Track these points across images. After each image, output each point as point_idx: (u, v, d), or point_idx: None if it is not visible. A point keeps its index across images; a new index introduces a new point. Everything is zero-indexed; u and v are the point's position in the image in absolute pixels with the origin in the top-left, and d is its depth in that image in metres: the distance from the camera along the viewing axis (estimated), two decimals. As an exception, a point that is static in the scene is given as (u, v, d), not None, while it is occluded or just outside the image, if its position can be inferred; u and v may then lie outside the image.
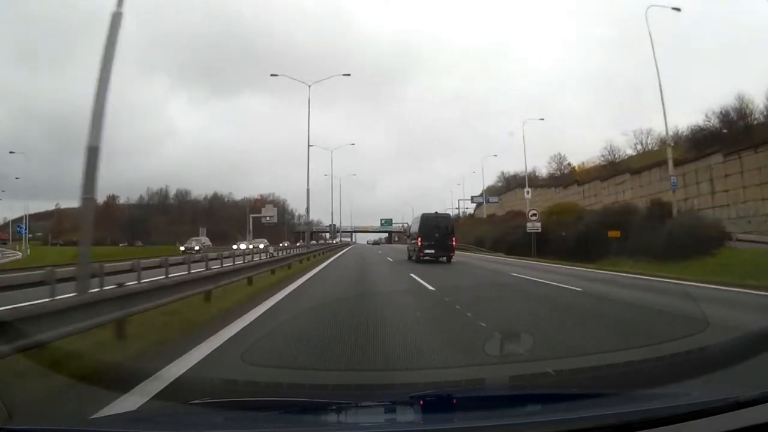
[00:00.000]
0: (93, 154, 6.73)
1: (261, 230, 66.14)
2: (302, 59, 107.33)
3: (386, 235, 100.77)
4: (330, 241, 61.96)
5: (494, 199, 67.69)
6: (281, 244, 48.86)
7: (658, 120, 68.82)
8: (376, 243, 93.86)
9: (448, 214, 28.70)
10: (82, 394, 3.55)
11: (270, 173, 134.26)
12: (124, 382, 3.65)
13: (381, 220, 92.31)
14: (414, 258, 24.30)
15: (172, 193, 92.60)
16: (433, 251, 23.20)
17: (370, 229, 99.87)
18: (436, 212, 26.80)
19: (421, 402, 2.48)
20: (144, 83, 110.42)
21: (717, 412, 1.73)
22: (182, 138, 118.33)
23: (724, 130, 32.56)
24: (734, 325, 6.20)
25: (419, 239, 23.41)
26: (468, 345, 5.04)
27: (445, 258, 23.43)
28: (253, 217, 63.24)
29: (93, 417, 2.78)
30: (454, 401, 2.61)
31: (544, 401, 2.54)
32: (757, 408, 1.74)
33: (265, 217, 62.34)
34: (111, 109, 7.25)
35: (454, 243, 24.10)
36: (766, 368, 3.69)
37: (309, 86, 33.78)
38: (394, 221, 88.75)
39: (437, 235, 23.47)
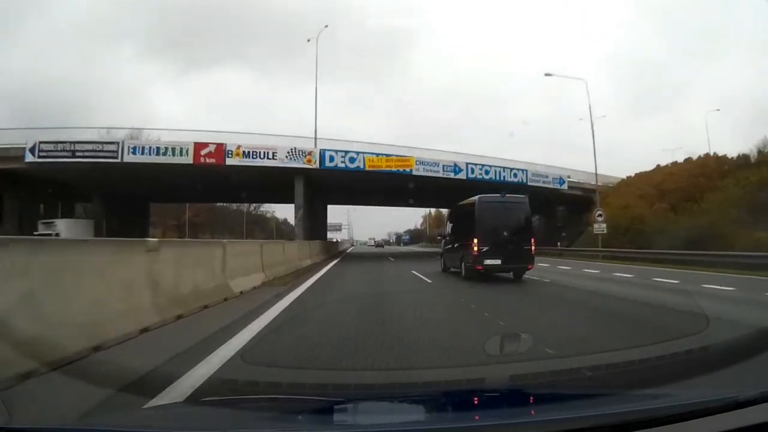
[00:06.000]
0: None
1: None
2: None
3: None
4: None
5: None
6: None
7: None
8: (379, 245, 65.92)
9: (524, 197, 14.78)
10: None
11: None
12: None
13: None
14: (463, 272, 14.15)
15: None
16: (499, 261, 13.28)
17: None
18: (504, 194, 14.47)
19: (421, 401, 2.48)
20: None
21: (717, 412, 1.74)
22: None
23: None
24: None
25: (475, 240, 13.35)
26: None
27: (517, 272, 13.74)
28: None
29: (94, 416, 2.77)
30: (454, 401, 2.61)
31: (544, 401, 2.54)
32: (757, 408, 1.74)
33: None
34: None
35: (533, 248, 13.71)
36: (766, 368, 3.70)
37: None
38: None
39: (506, 234, 13.49)
